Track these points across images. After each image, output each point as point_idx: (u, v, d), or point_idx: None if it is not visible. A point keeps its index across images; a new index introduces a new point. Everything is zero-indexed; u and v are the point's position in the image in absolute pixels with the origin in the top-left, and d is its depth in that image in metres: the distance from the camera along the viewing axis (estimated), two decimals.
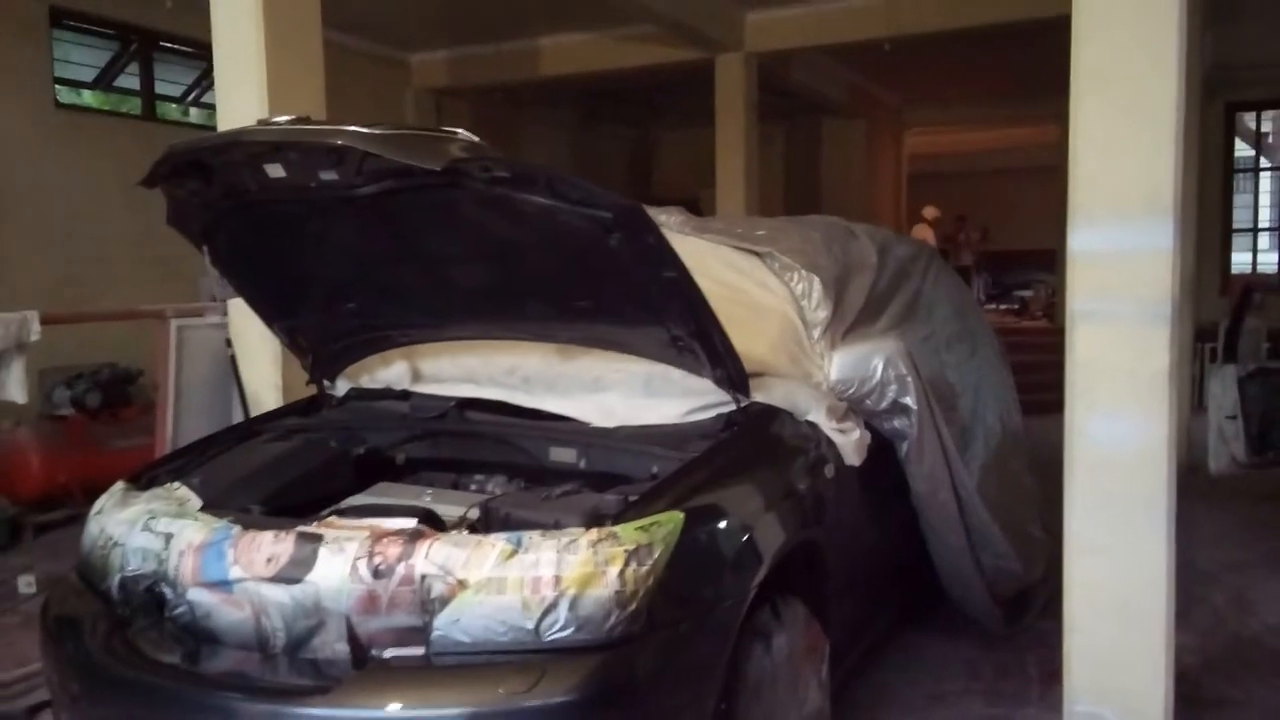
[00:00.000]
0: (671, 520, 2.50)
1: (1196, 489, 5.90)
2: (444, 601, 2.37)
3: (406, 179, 2.64)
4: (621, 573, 2.35)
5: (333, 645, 2.45)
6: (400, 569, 2.42)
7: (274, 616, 2.50)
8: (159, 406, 4.79)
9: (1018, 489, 4.41)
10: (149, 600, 2.69)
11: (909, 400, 3.54)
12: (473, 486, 3.35)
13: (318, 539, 2.51)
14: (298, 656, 2.49)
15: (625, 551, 2.38)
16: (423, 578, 2.40)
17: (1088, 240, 3.23)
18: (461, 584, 2.37)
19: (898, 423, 3.58)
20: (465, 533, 2.58)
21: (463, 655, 2.35)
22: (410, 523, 2.57)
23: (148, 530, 2.75)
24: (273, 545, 2.53)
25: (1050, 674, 3.67)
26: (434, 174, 2.50)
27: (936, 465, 3.69)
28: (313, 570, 2.47)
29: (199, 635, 2.61)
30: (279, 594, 2.49)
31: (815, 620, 3.02)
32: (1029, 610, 4.32)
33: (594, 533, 2.41)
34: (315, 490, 3.21)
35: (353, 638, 2.44)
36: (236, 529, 2.61)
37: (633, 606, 2.35)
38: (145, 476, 3.11)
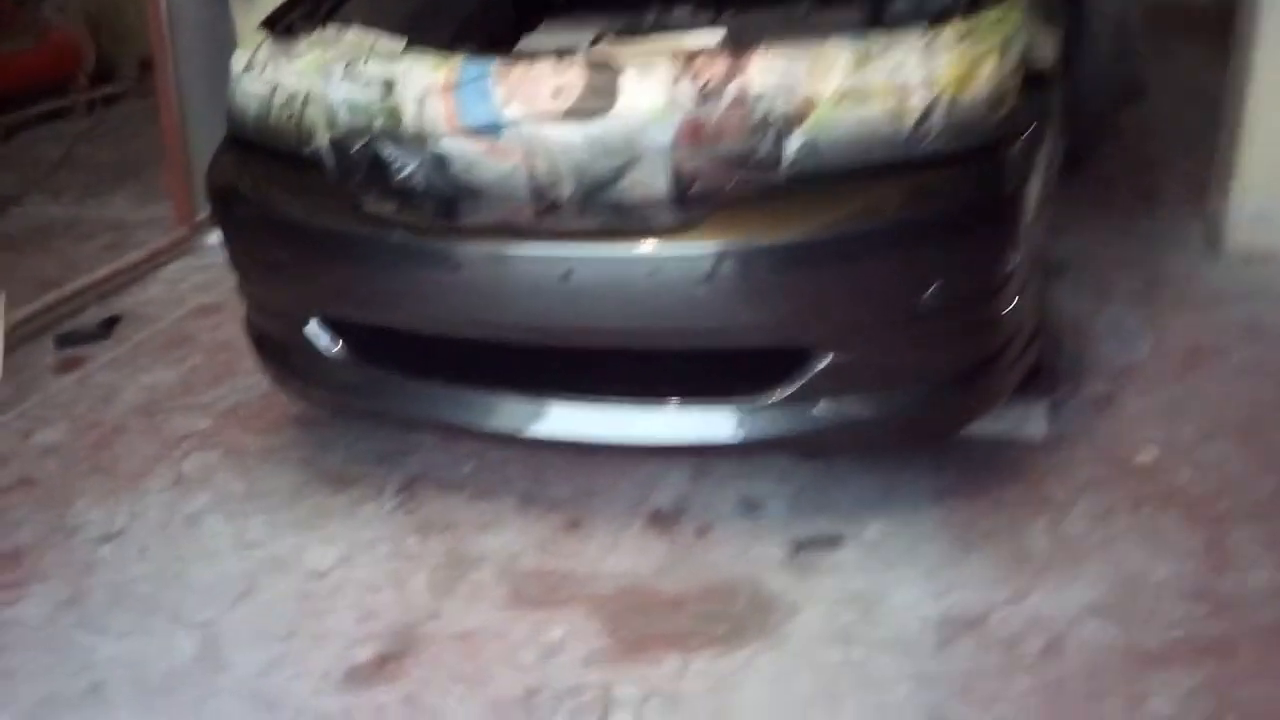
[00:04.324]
0: (1014, 11, 2.15)
1: None
2: (793, 121, 2.01)
3: None
4: (994, 70, 2.03)
5: (648, 184, 2.09)
6: (731, 89, 2.02)
7: (559, 161, 2.10)
8: None
9: None
10: (368, 162, 2.23)
11: None
12: (653, 17, 2.85)
13: (614, 66, 2.06)
14: (595, 202, 2.13)
15: (994, 48, 2.04)
16: (758, 97, 2.02)
17: None
18: (809, 100, 2.00)
19: None
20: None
21: (817, 179, 2.03)
22: (715, 36, 2.14)
23: (351, 80, 2.22)
24: (557, 76, 2.08)
25: None
26: None
27: None
28: (618, 101, 2.04)
29: (441, 195, 2.21)
30: (570, 133, 2.07)
31: None
32: None
33: (956, 28, 2.04)
34: (477, 33, 2.69)
35: (676, 174, 2.08)
36: (496, 62, 2.12)
37: (1004, 110, 2.05)
38: (282, 23, 2.50)
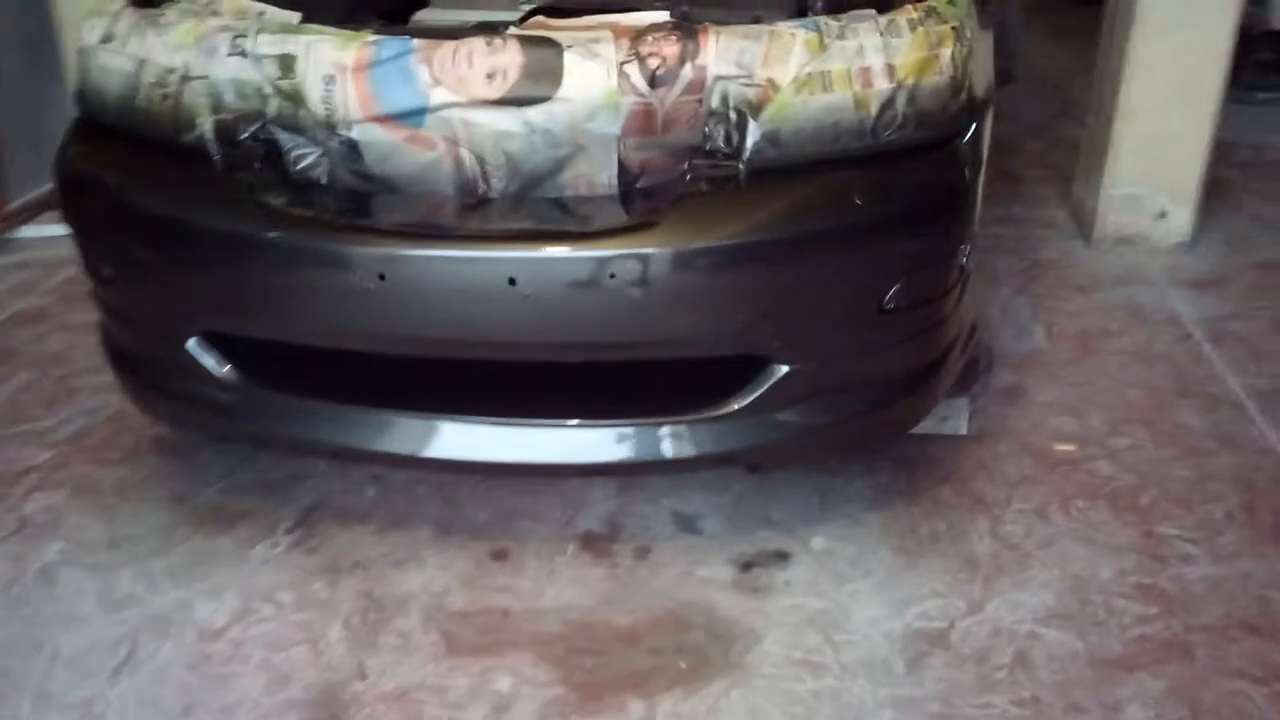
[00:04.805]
0: None
1: None
2: (753, 108, 1.85)
3: None
4: (953, 55, 1.93)
5: (592, 178, 1.89)
6: (686, 72, 1.84)
7: (491, 152, 1.87)
8: None
9: None
10: (261, 151, 1.94)
11: None
12: None
13: (557, 44, 1.85)
14: (532, 198, 1.91)
15: (953, 29, 1.95)
16: (715, 82, 1.85)
17: None
18: (768, 86, 1.85)
19: None
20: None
21: (778, 172, 1.89)
22: (660, 15, 1.95)
23: (240, 56, 1.91)
24: (491, 56, 1.84)
25: None
26: None
27: None
28: (561, 85, 1.83)
29: (351, 189, 1.95)
30: (507, 121, 1.85)
31: None
32: None
33: (914, 10, 1.94)
34: (368, 6, 2.40)
35: (623, 166, 1.89)
36: (418, 41, 1.86)
37: (962, 96, 1.97)
38: None
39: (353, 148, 1.89)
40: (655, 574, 2.11)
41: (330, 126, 1.88)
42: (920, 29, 1.91)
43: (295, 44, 1.89)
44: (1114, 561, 2.14)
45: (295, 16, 2.01)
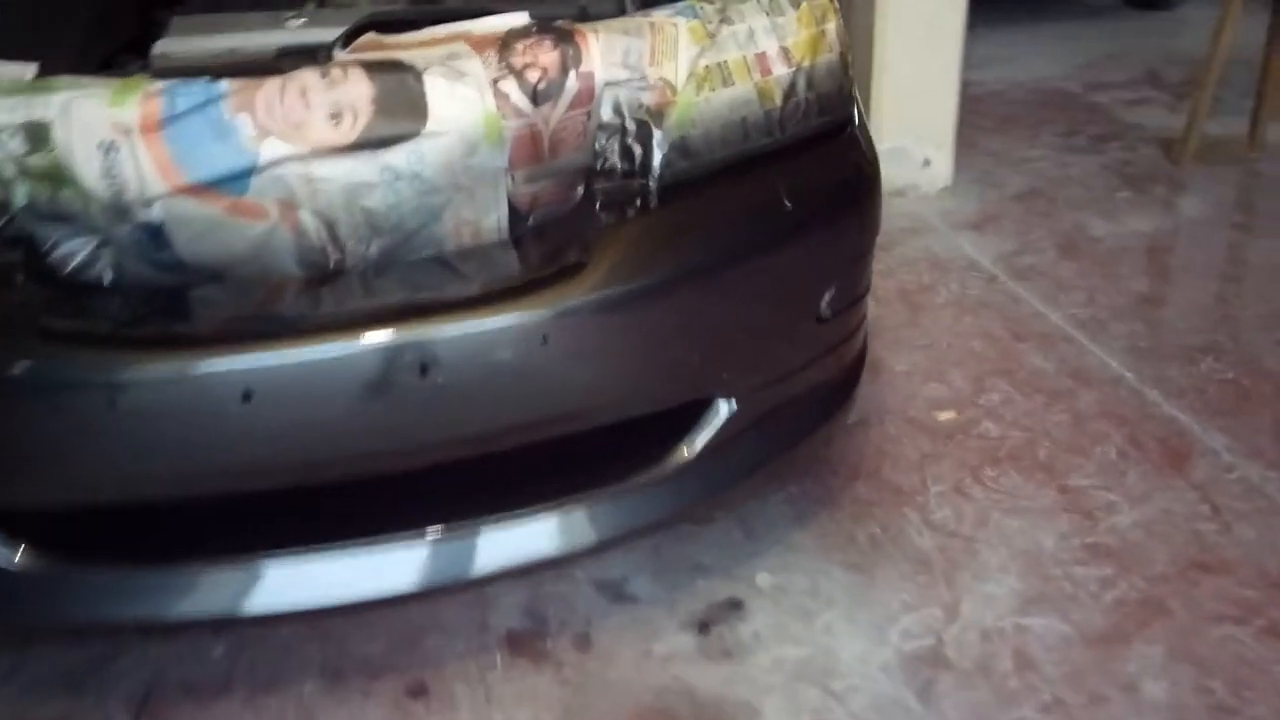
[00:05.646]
0: None
1: None
2: (655, 115, 1.57)
3: None
4: (836, 29, 1.75)
5: (476, 224, 1.54)
6: (570, 83, 1.53)
7: (344, 210, 1.47)
8: None
9: None
10: (14, 257, 1.43)
11: None
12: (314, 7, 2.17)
13: (410, 67, 1.46)
14: (402, 261, 1.53)
15: (831, 4, 1.76)
16: (604, 88, 1.55)
17: None
18: (668, 85, 1.58)
19: None
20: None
21: (687, 185, 1.62)
22: (519, 17, 1.61)
23: None
24: (331, 92, 1.43)
25: None
26: None
27: None
28: (428, 117, 1.46)
29: (153, 287, 1.48)
30: (362, 170, 1.45)
31: None
32: None
33: None
34: (96, 41, 1.87)
35: (513, 204, 1.55)
36: (228, 83, 1.41)
37: (850, 73, 1.79)
38: None
39: (155, 233, 1.42)
40: (609, 665, 1.81)
41: (119, 209, 1.40)
42: (803, 3, 1.70)
43: (44, 106, 1.38)
44: (1049, 527, 2.09)
45: (30, 69, 1.48)
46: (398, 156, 1.45)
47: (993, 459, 2.29)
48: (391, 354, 1.39)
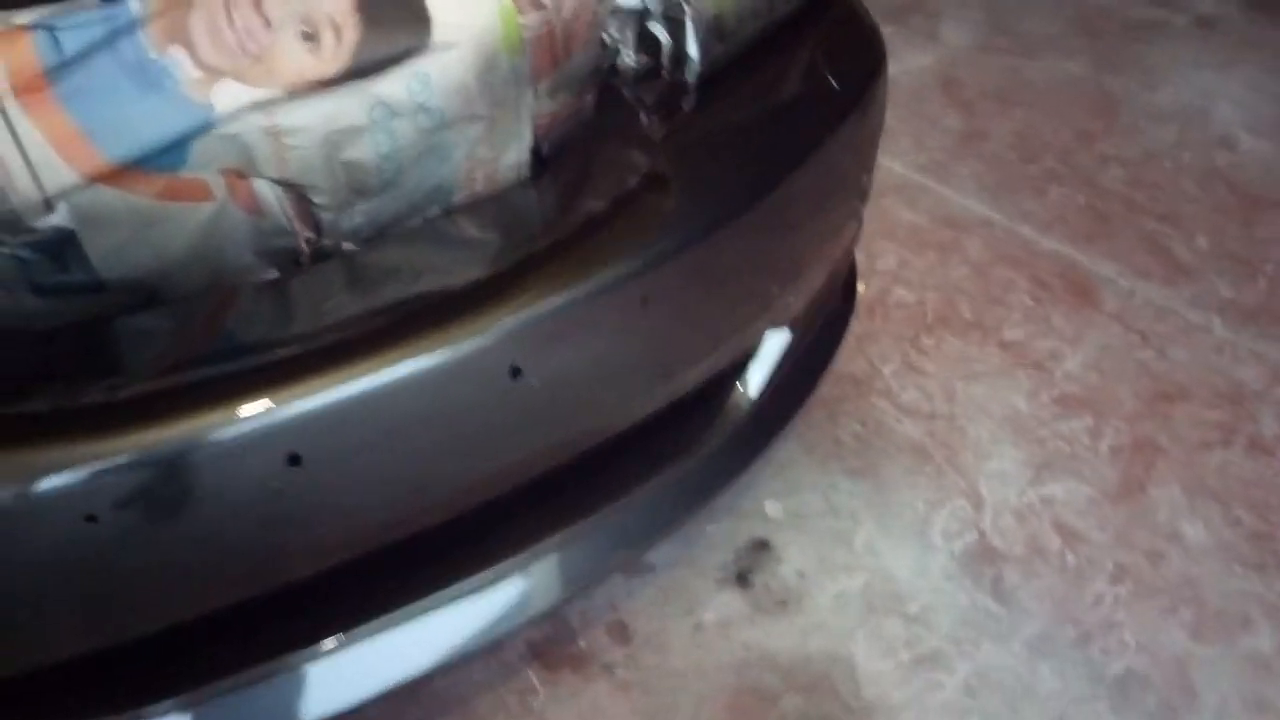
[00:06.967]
0: None
1: None
2: None
3: None
4: None
5: (495, 166, 1.15)
6: None
7: (321, 173, 1.04)
8: None
9: None
10: None
11: None
12: None
13: None
14: (405, 231, 1.13)
15: None
16: None
17: None
18: None
19: None
20: None
21: (721, 76, 1.31)
22: None
23: None
24: (290, 4, 0.97)
25: None
26: None
27: None
28: (432, 24, 1.04)
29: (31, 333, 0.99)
30: (348, 110, 1.01)
31: None
32: None
33: None
34: None
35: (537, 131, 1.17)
36: (143, 1, 0.91)
37: None
38: None
39: (60, 243, 0.93)
40: (665, 653, 1.56)
41: (9, 221, 0.89)
42: None
43: None
44: (1013, 386, 2.04)
45: None
46: (395, 86, 1.02)
47: (924, 326, 2.19)
48: (485, 356, 1.00)
